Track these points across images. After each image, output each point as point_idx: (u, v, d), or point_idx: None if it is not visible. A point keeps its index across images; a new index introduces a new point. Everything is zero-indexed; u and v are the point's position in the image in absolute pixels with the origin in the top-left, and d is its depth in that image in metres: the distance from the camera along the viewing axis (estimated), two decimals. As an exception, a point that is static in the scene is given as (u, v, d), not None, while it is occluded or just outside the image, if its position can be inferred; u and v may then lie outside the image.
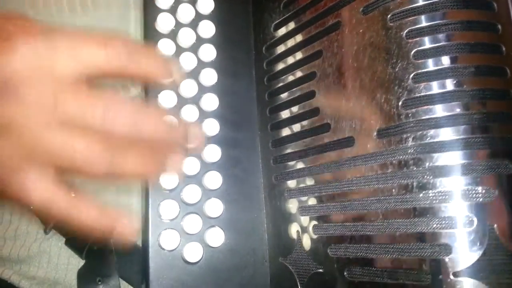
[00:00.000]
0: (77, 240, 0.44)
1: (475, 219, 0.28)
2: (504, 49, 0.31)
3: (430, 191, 0.30)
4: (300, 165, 0.39)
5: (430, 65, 0.31)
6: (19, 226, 0.46)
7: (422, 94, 0.31)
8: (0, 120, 0.28)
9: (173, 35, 0.43)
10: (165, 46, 0.42)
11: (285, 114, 0.42)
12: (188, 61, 0.43)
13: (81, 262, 0.44)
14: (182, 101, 0.42)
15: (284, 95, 0.42)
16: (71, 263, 0.45)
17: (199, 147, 0.39)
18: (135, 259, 0.44)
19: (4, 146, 0.29)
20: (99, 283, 0.42)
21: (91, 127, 0.31)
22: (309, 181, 0.38)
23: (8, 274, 0.45)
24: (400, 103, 0.32)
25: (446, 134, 0.30)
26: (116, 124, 0.31)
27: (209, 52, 0.44)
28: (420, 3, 0.32)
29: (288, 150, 0.41)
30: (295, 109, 0.41)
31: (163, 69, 0.35)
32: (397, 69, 0.32)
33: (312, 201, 0.38)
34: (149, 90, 0.41)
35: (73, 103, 0.30)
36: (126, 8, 0.47)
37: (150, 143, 0.34)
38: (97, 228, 0.33)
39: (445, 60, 0.31)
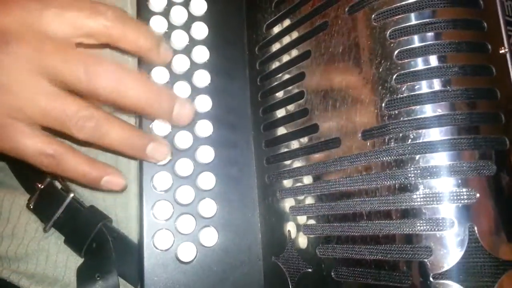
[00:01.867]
0: (76, 239, 0.46)
1: (456, 221, 0.28)
2: (490, 47, 0.31)
3: (412, 193, 0.30)
4: (291, 165, 0.40)
5: (413, 65, 0.31)
6: (17, 224, 0.47)
7: (405, 95, 0.31)
8: None
9: (166, 37, 0.43)
10: (159, 49, 0.43)
11: (276, 114, 0.42)
12: (181, 63, 0.43)
13: (80, 261, 0.45)
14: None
15: (275, 95, 0.42)
16: (70, 261, 0.46)
17: (186, 122, 0.40)
18: (133, 257, 0.45)
19: None
20: (98, 279, 0.43)
21: (76, 84, 0.32)
22: (299, 182, 0.39)
23: (7, 273, 0.46)
24: (383, 104, 0.31)
25: (428, 135, 0.30)
26: (99, 81, 0.33)
27: (202, 54, 0.44)
28: (404, 2, 0.31)
29: (280, 151, 0.41)
30: (286, 109, 0.41)
31: (152, 43, 0.37)
32: (380, 70, 0.32)
33: (302, 202, 0.38)
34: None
35: (57, 58, 0.32)
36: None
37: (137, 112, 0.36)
38: (87, 177, 0.36)
39: (429, 60, 0.30)
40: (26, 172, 0.48)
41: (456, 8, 0.31)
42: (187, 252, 0.40)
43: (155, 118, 0.40)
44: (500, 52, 0.31)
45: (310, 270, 0.37)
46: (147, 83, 0.36)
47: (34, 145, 0.34)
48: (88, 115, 0.33)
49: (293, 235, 0.39)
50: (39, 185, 0.46)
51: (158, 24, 0.43)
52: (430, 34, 0.31)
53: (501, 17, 0.32)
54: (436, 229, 0.29)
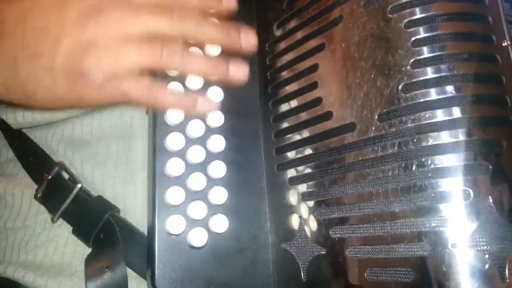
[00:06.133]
0: (83, 229, 0.45)
1: (471, 193, 0.30)
2: (495, 38, 0.34)
3: (428, 168, 0.31)
4: (302, 153, 0.41)
5: (427, 52, 0.33)
6: (27, 216, 0.47)
7: (420, 78, 0.33)
8: (86, 36, 0.32)
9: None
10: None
11: (287, 106, 0.44)
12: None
13: (87, 251, 0.45)
14: (188, 93, 0.43)
15: (287, 88, 0.44)
16: (77, 251, 0.45)
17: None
18: (141, 247, 0.44)
19: (97, 60, 0.33)
20: (106, 270, 0.43)
21: (167, 37, 0.34)
22: (311, 168, 0.40)
23: (11, 270, 0.45)
24: (400, 88, 0.34)
25: (442, 114, 0.32)
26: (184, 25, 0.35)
27: (214, 50, 0.45)
28: (417, -4, 0.34)
29: (291, 140, 0.42)
30: (297, 100, 0.42)
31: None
32: (396, 57, 0.34)
33: (313, 187, 0.40)
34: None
35: (149, 19, 0.34)
36: None
37: None
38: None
39: (441, 47, 0.33)
40: (34, 163, 0.48)
41: (465, 3, 0.34)
42: (198, 238, 0.40)
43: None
44: (503, 44, 0.34)
45: (323, 252, 0.38)
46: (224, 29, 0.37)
47: (139, 94, 0.34)
48: (173, 44, 0.34)
49: (304, 221, 0.40)
50: (47, 175, 0.45)
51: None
52: (441, 25, 0.34)
53: (502, 14, 0.35)
54: (452, 201, 0.30)
